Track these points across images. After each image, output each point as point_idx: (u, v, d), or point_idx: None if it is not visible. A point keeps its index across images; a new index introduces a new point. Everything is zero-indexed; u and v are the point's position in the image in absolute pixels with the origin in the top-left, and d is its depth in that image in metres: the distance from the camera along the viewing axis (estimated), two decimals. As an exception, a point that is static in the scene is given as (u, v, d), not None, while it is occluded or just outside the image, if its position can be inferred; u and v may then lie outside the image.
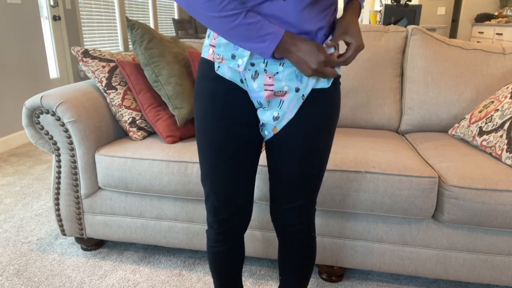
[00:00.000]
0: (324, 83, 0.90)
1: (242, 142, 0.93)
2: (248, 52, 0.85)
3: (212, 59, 0.91)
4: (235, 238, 1.05)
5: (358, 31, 0.86)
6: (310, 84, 0.89)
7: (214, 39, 0.90)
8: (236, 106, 0.91)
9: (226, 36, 0.81)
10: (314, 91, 0.91)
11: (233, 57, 0.87)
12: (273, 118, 0.91)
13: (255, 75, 0.87)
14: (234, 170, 0.95)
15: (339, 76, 0.93)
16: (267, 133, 0.95)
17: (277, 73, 0.86)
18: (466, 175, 1.30)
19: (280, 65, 0.86)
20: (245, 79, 0.88)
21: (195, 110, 0.96)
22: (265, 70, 0.86)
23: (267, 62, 0.86)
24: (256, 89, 0.88)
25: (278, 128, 0.92)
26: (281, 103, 0.90)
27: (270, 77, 0.87)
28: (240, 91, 0.91)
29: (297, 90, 0.88)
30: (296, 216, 1.00)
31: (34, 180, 2.44)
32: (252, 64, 0.86)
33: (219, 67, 0.90)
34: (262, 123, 0.94)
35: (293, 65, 0.85)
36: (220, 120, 0.91)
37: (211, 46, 0.91)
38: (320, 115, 0.92)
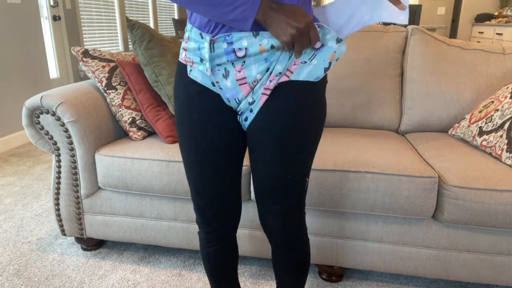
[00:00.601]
0: (310, 75, 0.85)
1: (220, 142, 0.93)
2: (207, 55, 0.83)
3: (185, 62, 0.92)
4: (225, 237, 1.05)
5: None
6: (283, 61, 0.83)
7: (186, 42, 0.90)
8: (208, 107, 0.91)
9: (203, 9, 0.77)
10: (293, 86, 0.86)
11: (201, 60, 0.87)
12: (248, 103, 0.89)
13: (226, 73, 0.86)
14: (215, 169, 0.95)
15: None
16: (245, 122, 0.92)
17: (244, 62, 0.83)
18: (466, 175, 1.30)
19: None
20: (217, 82, 0.87)
21: (175, 112, 0.97)
22: (232, 64, 0.84)
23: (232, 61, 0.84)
24: (231, 87, 0.87)
25: (254, 111, 0.89)
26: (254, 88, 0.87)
27: (239, 71, 0.85)
28: (213, 93, 0.91)
29: (267, 70, 0.85)
30: (280, 219, 0.97)
31: (34, 180, 2.44)
32: (219, 64, 0.85)
33: (191, 70, 0.91)
34: (240, 111, 0.91)
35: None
36: (196, 121, 0.92)
37: (184, 50, 0.92)
38: (296, 113, 0.87)
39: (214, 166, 0.95)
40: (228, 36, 0.81)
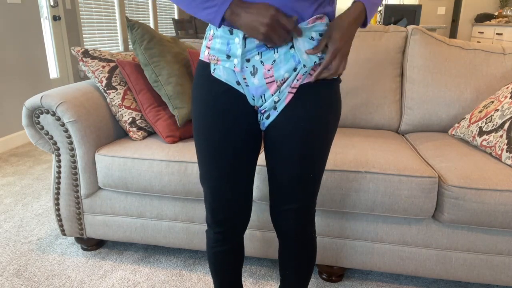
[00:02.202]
0: (326, 72, 0.88)
1: (239, 143, 0.93)
2: (240, 50, 0.84)
3: (208, 61, 0.91)
4: (234, 238, 1.04)
5: (341, 34, 0.83)
6: (309, 60, 0.86)
7: (210, 40, 0.90)
8: (233, 107, 0.91)
9: (181, 5, 0.84)
10: (313, 88, 0.89)
11: (228, 57, 0.87)
12: (274, 102, 0.90)
13: (254, 71, 0.87)
14: (232, 170, 0.95)
15: (338, 75, 0.92)
16: (266, 120, 0.93)
17: (274, 61, 0.85)
18: (466, 175, 1.30)
19: (274, 52, 0.85)
20: (244, 78, 0.88)
21: (193, 110, 0.96)
22: (261, 62, 0.86)
23: (261, 53, 0.85)
24: (258, 85, 0.88)
25: (279, 109, 0.90)
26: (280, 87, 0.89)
27: (269, 69, 0.86)
28: (236, 94, 0.91)
29: (295, 69, 0.87)
30: (293, 218, 0.99)
31: (34, 180, 2.44)
32: (248, 60, 0.86)
33: (214, 69, 0.90)
34: (264, 110, 0.92)
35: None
36: (217, 121, 0.91)
37: (207, 48, 0.91)
38: (317, 115, 0.90)
39: (232, 168, 0.95)
40: None
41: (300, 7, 0.82)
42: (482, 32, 5.69)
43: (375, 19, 4.50)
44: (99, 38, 4.55)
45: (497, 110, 1.50)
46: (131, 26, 1.57)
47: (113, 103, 1.63)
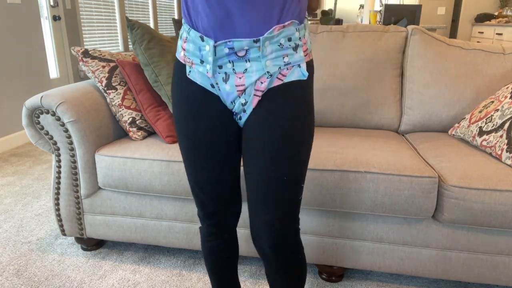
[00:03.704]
0: (299, 75, 0.87)
1: (218, 140, 0.94)
2: (211, 58, 0.84)
3: (184, 62, 0.92)
4: (227, 231, 1.05)
5: None
6: (272, 66, 0.85)
7: (184, 42, 0.90)
8: (209, 107, 0.92)
9: None
10: (282, 90, 0.87)
11: (202, 62, 0.87)
12: (241, 104, 0.89)
13: (226, 77, 0.87)
14: (215, 167, 0.96)
15: (312, 68, 0.90)
16: (239, 121, 0.93)
17: (246, 69, 0.85)
18: (466, 175, 1.30)
19: (246, 61, 0.84)
20: (217, 83, 0.88)
21: (173, 108, 0.97)
22: (233, 70, 0.85)
23: (233, 62, 0.85)
24: (229, 91, 0.88)
25: (248, 111, 0.89)
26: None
27: (240, 77, 0.86)
28: (212, 94, 0.91)
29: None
30: (273, 235, 0.90)
31: (34, 180, 2.44)
32: (220, 67, 0.86)
33: (190, 71, 0.91)
34: (235, 112, 0.92)
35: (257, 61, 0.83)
36: (195, 120, 0.92)
37: (182, 49, 0.91)
38: (285, 115, 0.86)
39: (213, 164, 0.95)
40: (229, 42, 0.82)
41: (260, 29, 0.81)
42: (482, 32, 5.69)
43: (375, 19, 4.50)
44: (99, 38, 4.55)
45: (497, 110, 1.50)
46: (131, 26, 1.57)
47: (113, 103, 1.63)
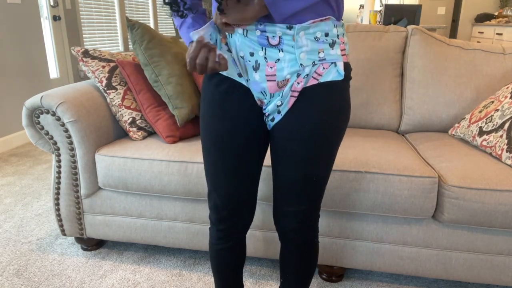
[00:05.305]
0: (336, 75, 0.87)
1: (244, 141, 0.93)
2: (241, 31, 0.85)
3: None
4: (237, 236, 1.05)
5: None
6: (307, 59, 0.85)
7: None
8: (237, 106, 0.91)
9: None
10: (318, 91, 0.87)
11: (229, 51, 0.88)
12: (276, 106, 0.90)
13: (256, 66, 0.86)
14: (236, 168, 0.95)
15: (349, 70, 0.91)
16: (271, 122, 0.93)
17: (278, 59, 0.85)
18: (466, 175, 1.30)
19: (279, 51, 0.84)
20: (246, 70, 0.88)
21: (200, 108, 0.97)
22: (265, 58, 0.85)
23: (265, 49, 0.84)
24: (259, 81, 0.88)
25: (282, 112, 0.90)
26: (282, 91, 0.88)
27: (271, 67, 0.85)
28: (240, 90, 0.90)
29: (298, 75, 0.86)
30: (296, 221, 0.98)
31: (34, 180, 2.44)
32: (252, 54, 0.85)
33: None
34: (268, 113, 0.92)
35: (288, 53, 0.84)
36: (221, 119, 0.92)
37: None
38: (321, 117, 0.88)
39: (237, 166, 0.95)
40: (261, 25, 0.82)
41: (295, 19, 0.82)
42: (482, 32, 5.69)
43: (375, 19, 4.50)
44: (99, 38, 4.55)
45: (497, 110, 1.50)
46: (131, 26, 1.57)
47: (113, 103, 1.63)
